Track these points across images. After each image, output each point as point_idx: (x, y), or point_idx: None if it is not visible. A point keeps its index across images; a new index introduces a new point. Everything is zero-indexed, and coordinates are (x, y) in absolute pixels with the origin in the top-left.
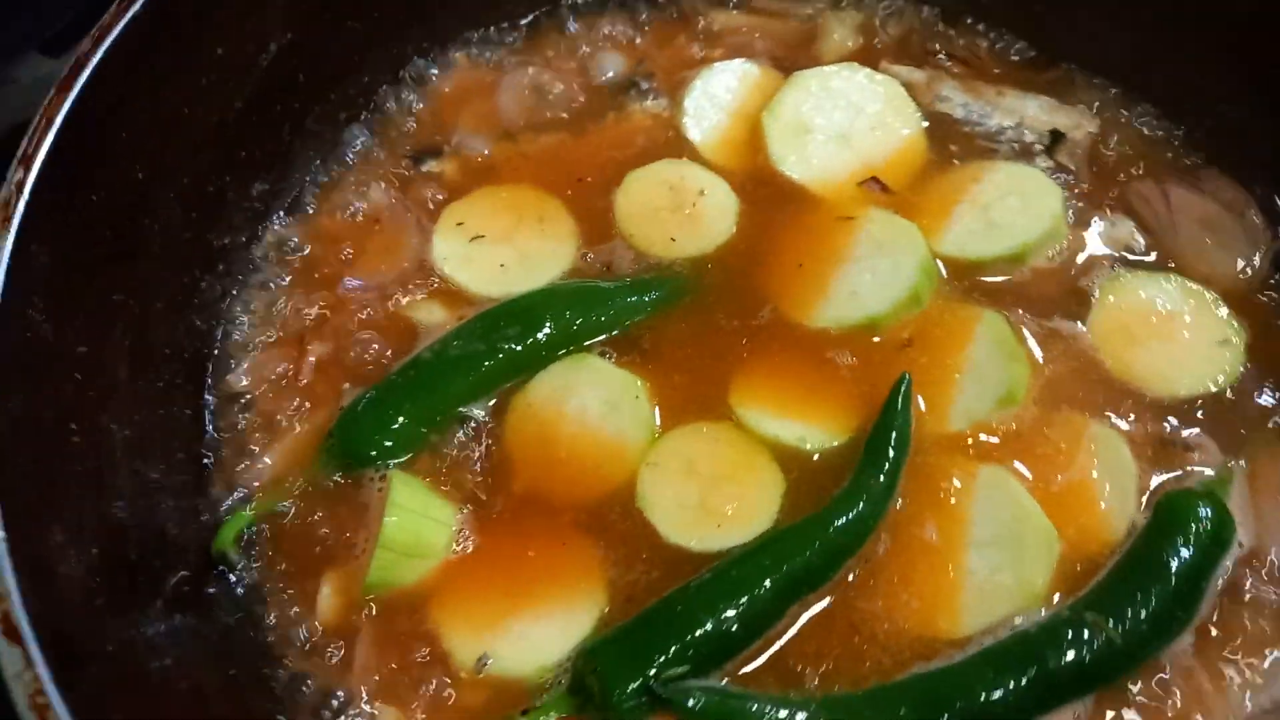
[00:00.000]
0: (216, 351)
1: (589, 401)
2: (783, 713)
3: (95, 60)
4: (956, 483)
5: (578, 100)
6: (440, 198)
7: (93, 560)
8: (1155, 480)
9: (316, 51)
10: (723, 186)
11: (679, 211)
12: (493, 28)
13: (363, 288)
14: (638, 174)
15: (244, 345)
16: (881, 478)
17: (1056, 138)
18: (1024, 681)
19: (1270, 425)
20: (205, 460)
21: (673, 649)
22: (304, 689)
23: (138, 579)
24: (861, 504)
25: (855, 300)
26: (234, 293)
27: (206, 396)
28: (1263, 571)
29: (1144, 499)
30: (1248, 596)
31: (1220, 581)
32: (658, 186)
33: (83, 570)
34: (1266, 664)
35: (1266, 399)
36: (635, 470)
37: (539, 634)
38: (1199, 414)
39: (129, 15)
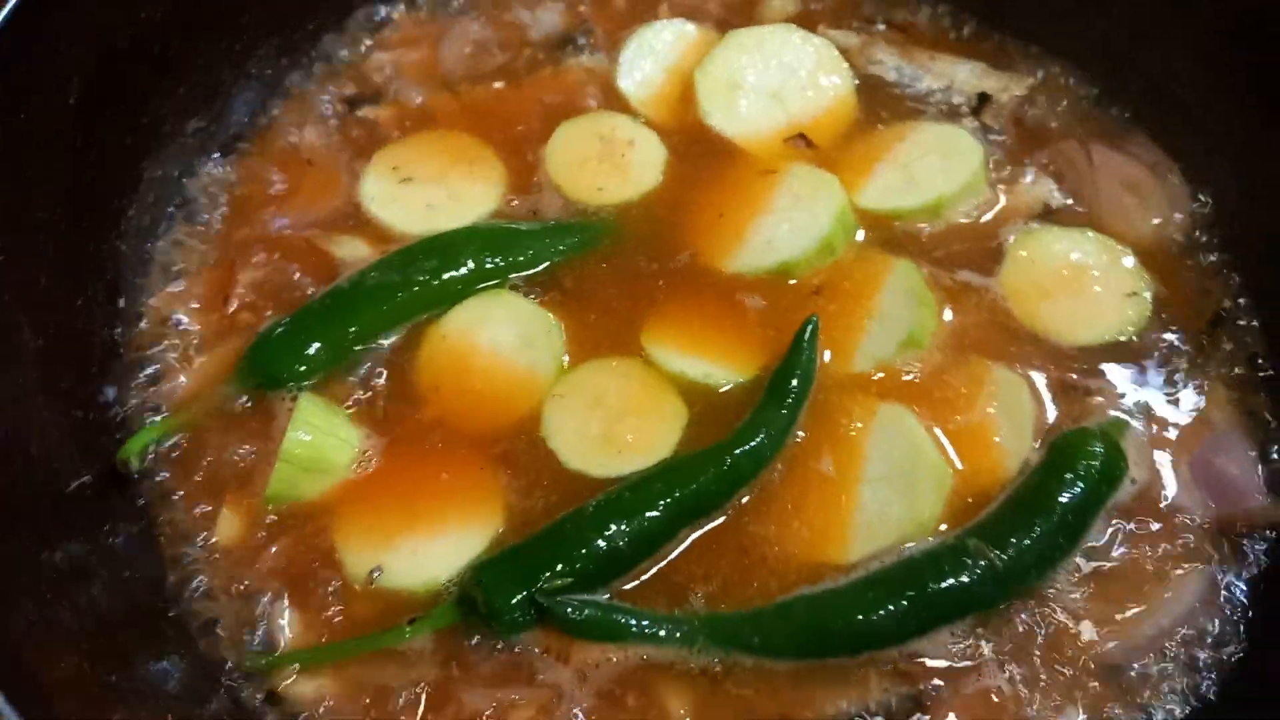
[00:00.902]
0: (140, 276)
1: (503, 335)
2: (663, 628)
3: None
4: (857, 421)
5: (516, 54)
6: (374, 142)
7: None
8: (1053, 421)
9: None
10: (653, 139)
11: (607, 161)
12: None
13: (291, 225)
14: (570, 124)
15: (168, 272)
16: (783, 411)
17: (983, 100)
18: (904, 603)
19: (1173, 373)
20: (119, 376)
21: (559, 565)
22: (198, 599)
23: (35, 477)
24: (761, 435)
25: (770, 248)
26: (164, 223)
27: (127, 316)
28: (1152, 508)
29: (1040, 439)
30: (1135, 531)
31: (1109, 516)
32: (589, 137)
33: None
34: (1147, 596)
35: (1170, 348)
36: (544, 402)
37: (432, 551)
38: (1103, 362)
39: None
